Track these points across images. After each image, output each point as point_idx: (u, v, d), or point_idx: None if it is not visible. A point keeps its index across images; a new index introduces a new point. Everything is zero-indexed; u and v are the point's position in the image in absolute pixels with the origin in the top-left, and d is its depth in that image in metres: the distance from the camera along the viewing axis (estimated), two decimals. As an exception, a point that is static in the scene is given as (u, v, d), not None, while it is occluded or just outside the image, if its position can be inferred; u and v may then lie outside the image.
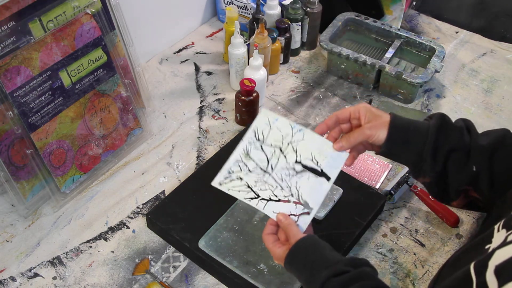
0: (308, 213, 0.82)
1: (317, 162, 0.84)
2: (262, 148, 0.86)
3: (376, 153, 0.87)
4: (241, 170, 0.85)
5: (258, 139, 0.86)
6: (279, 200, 0.83)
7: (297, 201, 0.83)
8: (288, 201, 0.83)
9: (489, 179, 0.81)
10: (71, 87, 1.00)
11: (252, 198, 0.82)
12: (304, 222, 0.82)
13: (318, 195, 0.83)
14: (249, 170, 0.85)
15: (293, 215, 0.82)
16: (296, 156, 0.85)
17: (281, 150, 0.86)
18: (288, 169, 0.85)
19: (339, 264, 0.74)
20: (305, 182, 0.84)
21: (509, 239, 0.63)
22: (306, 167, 0.85)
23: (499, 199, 0.80)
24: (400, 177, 1.09)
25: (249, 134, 0.87)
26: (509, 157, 0.81)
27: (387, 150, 0.84)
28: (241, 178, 0.84)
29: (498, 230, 0.68)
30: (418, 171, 0.85)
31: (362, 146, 0.87)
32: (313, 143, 0.85)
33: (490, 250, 0.65)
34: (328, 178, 0.84)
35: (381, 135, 0.82)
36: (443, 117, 0.84)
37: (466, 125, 0.85)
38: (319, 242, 0.79)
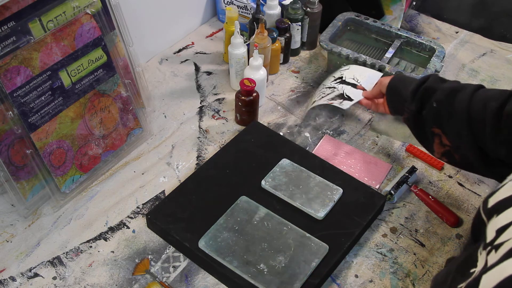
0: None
1: (358, 80, 1.18)
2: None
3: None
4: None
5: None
6: (349, 84, 1.19)
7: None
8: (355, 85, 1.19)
9: (450, 117, 0.91)
10: (71, 87, 1.00)
11: (333, 98, 1.17)
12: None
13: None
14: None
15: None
16: (342, 77, 1.22)
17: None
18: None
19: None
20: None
21: (489, 261, 0.63)
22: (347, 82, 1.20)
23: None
24: (400, 177, 1.09)
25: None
26: (468, 99, 0.89)
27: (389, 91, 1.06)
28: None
29: (480, 253, 0.68)
30: (402, 110, 1.02)
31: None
32: (356, 70, 1.22)
33: (475, 273, 0.65)
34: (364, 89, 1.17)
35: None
36: (433, 74, 1.01)
37: (454, 81, 0.96)
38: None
